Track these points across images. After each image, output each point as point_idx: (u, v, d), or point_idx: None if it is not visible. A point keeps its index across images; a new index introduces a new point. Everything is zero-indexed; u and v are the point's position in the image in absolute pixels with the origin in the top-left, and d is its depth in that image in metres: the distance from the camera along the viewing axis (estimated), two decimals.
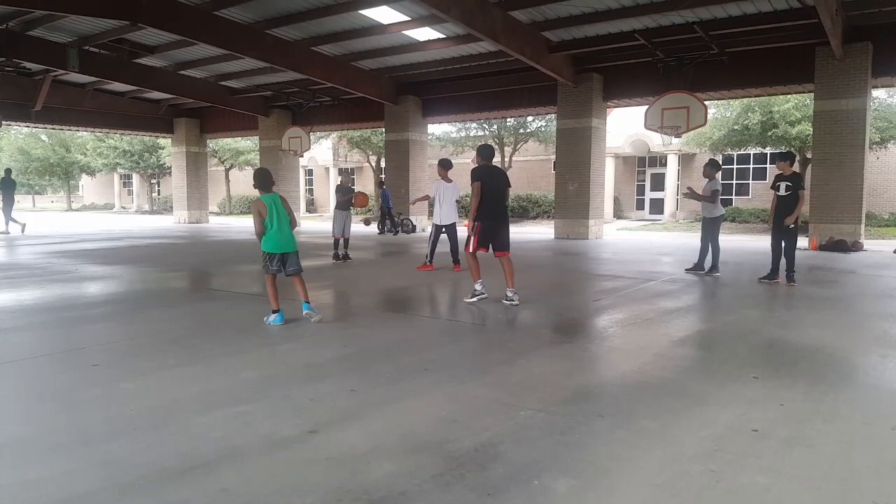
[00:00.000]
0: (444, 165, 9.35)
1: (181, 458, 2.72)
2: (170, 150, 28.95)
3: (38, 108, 20.09)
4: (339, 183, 11.45)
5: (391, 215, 19.12)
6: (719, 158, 25.57)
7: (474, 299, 6.73)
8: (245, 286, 8.37)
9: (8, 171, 18.58)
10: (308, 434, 3.01)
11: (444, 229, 9.51)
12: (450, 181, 9.42)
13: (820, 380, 3.94)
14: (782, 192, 8.13)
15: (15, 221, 17.94)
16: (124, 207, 46.62)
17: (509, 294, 6.61)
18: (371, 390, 3.69)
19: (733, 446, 2.88)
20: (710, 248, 9.11)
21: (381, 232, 19.18)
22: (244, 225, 24.92)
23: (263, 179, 5.64)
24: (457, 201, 9.48)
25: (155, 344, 4.92)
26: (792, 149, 19.80)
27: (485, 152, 7.07)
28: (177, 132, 26.08)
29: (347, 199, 10.68)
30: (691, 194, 9.19)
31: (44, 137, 44.02)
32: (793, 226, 8.08)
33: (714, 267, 9.01)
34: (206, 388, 3.74)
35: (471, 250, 6.75)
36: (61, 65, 16.37)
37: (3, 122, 18.70)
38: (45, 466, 2.64)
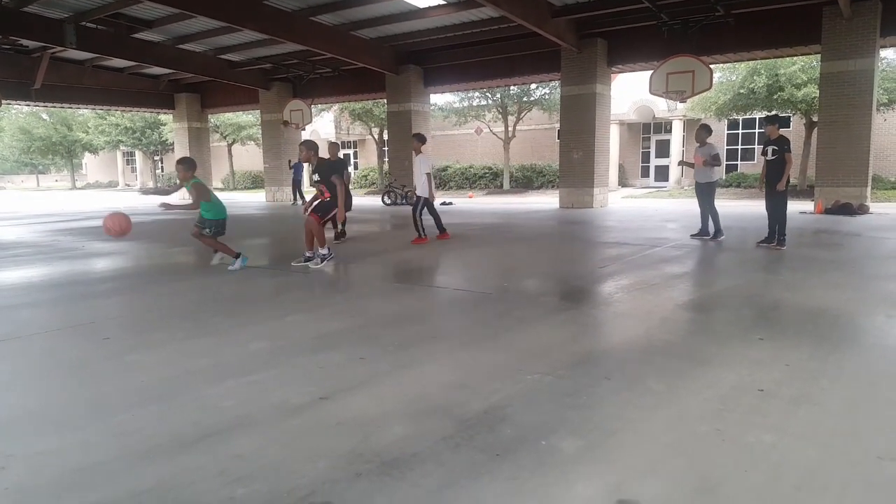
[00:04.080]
0: (419, 139, 9.63)
1: (194, 427, 2.77)
2: (171, 126, 28.83)
3: (38, 86, 19.95)
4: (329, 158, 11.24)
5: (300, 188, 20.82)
6: (724, 123, 25.37)
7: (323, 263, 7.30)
8: (252, 259, 8.40)
9: None
10: (319, 401, 3.05)
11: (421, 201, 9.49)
12: (420, 154, 9.53)
13: (825, 340, 3.96)
14: (770, 156, 8.06)
15: None
16: (128, 185, 46.61)
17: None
18: (380, 358, 3.74)
19: (739, 406, 2.91)
20: (708, 215, 9.09)
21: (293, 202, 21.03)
22: (249, 200, 24.92)
23: (195, 166, 7.24)
24: (427, 174, 9.35)
25: (164, 317, 4.96)
26: (798, 112, 19.60)
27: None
28: (178, 108, 25.93)
29: (340, 174, 10.42)
30: (687, 163, 9.21)
31: (45, 116, 43.84)
32: (782, 189, 8.03)
33: (718, 231, 9.01)
34: (216, 359, 3.78)
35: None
36: (59, 41, 16.15)
37: (4, 102, 18.48)
38: (60, 438, 2.69)
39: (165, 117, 33.17)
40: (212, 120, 29.85)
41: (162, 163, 44.76)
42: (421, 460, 2.41)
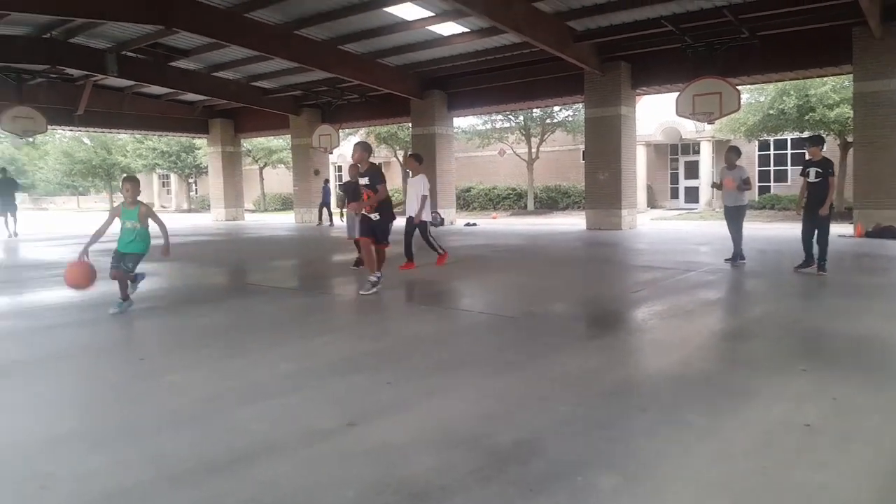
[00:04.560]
0: (416, 159, 9.47)
1: (225, 450, 2.75)
2: (206, 150, 29.46)
3: (81, 112, 20.75)
4: (347, 180, 9.93)
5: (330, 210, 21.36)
6: (755, 144, 25.01)
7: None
8: (280, 281, 8.45)
9: (3, 170, 18.23)
10: (346, 427, 3.00)
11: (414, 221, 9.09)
12: (418, 174, 9.15)
13: (875, 372, 3.79)
14: (812, 178, 7.70)
15: (7, 227, 17.07)
16: (164, 206, 47.61)
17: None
18: (406, 383, 3.67)
19: (785, 442, 2.78)
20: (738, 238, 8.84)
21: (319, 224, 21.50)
22: (279, 222, 25.21)
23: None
24: (424, 196, 8.88)
25: (197, 338, 4.99)
26: (832, 133, 19.22)
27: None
28: (212, 133, 26.52)
29: (359, 195, 9.76)
30: (718, 185, 8.97)
31: (86, 140, 45.22)
32: (826, 214, 7.74)
33: (738, 255, 8.75)
34: (247, 380, 3.78)
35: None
36: (101, 70, 16.92)
37: (48, 127, 19.24)
38: (99, 458, 2.70)
39: (200, 142, 33.90)
40: (244, 144, 30.43)
41: (196, 185, 45.79)
42: (450, 493, 2.33)
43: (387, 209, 7.19)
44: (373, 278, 6.94)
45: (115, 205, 5.94)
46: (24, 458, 2.73)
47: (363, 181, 7.07)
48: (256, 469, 2.57)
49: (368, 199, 7.01)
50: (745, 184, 8.66)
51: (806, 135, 22.37)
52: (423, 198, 8.89)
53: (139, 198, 5.96)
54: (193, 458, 2.68)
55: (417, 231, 9.07)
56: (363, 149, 7.16)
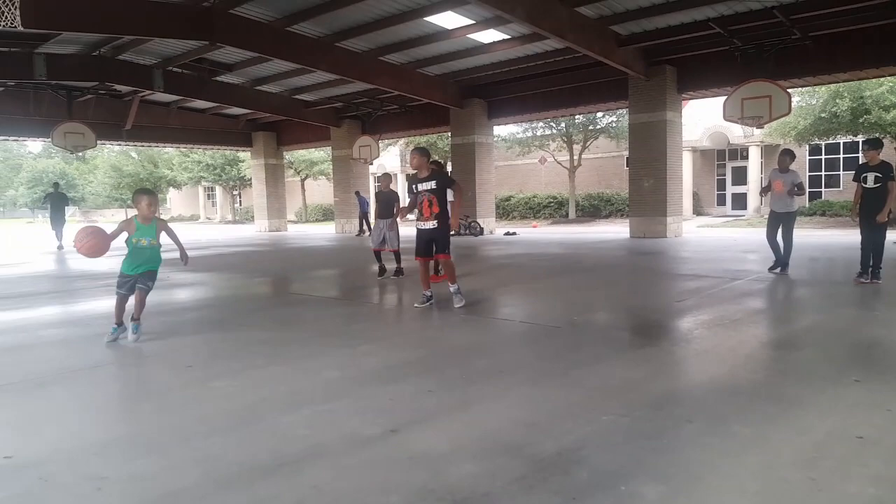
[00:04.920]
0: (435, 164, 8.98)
1: (271, 455, 2.81)
2: (249, 162, 30.20)
3: (129, 127, 21.53)
4: (378, 189, 9.99)
5: (368, 220, 21.41)
6: (805, 149, 24.30)
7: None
8: (323, 290, 8.59)
9: (55, 185, 19.11)
10: (389, 433, 3.04)
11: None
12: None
13: None
14: (870, 183, 7.37)
15: (59, 239, 17.46)
16: (209, 218, 48.95)
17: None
18: (448, 392, 3.69)
19: (836, 453, 2.70)
20: (780, 245, 8.49)
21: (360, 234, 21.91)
22: (320, 232, 25.62)
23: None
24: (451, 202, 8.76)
25: (243, 346, 5.11)
26: (888, 136, 18.54)
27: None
28: (255, 145, 27.17)
29: (389, 206, 9.19)
30: (766, 189, 8.68)
31: (133, 154, 46.98)
32: (884, 221, 7.42)
33: (779, 264, 8.46)
34: (291, 387, 3.85)
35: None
36: (148, 86, 17.59)
37: (98, 142, 19.99)
38: (148, 462, 2.79)
39: (244, 154, 34.77)
40: (286, 156, 31.08)
41: (240, 197, 46.93)
42: (493, 500, 2.34)
43: (445, 217, 6.59)
44: (428, 294, 6.68)
45: (127, 218, 5.36)
46: (78, 461, 2.83)
47: (426, 187, 6.44)
48: (302, 474, 2.61)
49: (430, 204, 6.42)
50: (799, 189, 8.36)
51: (860, 138, 21.70)
52: (451, 204, 8.68)
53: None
54: (240, 463, 2.74)
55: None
56: (421, 154, 6.55)
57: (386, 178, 9.56)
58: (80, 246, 5.07)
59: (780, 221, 8.53)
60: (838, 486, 2.40)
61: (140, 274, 5.27)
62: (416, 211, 6.73)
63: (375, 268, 9.40)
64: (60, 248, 17.27)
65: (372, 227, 9.52)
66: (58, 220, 17.64)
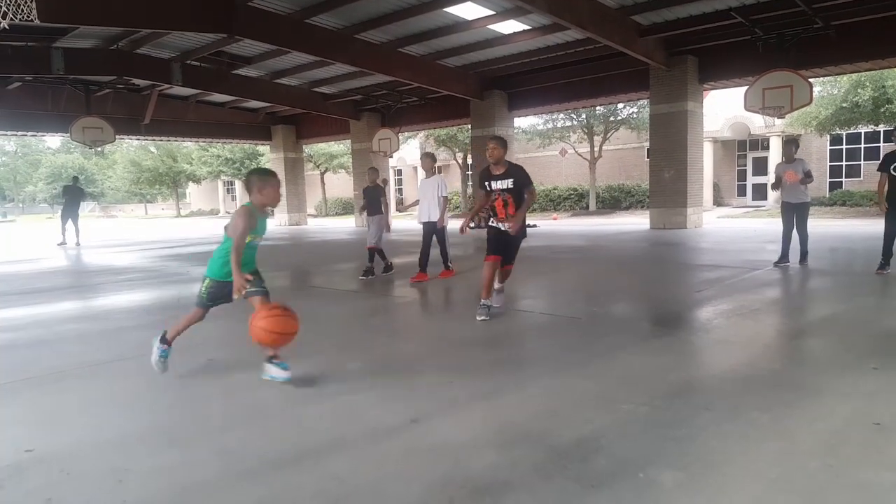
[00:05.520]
0: (431, 158, 8.40)
1: (292, 447, 2.87)
2: (269, 156, 30.41)
3: (147, 121, 21.55)
4: (367, 185, 9.32)
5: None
6: (826, 139, 23.89)
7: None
8: (343, 283, 8.68)
9: (75, 178, 19.12)
10: (410, 423, 3.09)
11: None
12: (433, 175, 8.28)
13: None
14: None
15: (63, 234, 17.21)
16: (228, 212, 49.42)
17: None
18: (468, 382, 3.74)
19: (853, 441, 2.71)
20: (790, 236, 8.34)
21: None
22: (340, 226, 25.76)
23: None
24: (444, 197, 8.11)
25: None
26: None
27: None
28: (274, 139, 27.32)
29: (377, 201, 8.93)
30: (776, 184, 8.52)
31: (152, 149, 47.44)
32: None
33: (786, 258, 8.32)
34: (312, 379, 3.91)
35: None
36: (166, 79, 17.61)
37: (116, 137, 20.04)
38: (170, 455, 2.85)
39: (263, 148, 35.03)
40: (306, 150, 31.23)
41: None
42: (513, 488, 2.39)
43: (522, 221, 5.70)
44: (489, 303, 5.67)
45: (247, 207, 3.90)
46: (100, 454, 2.87)
47: (501, 185, 5.59)
48: (323, 464, 2.66)
49: (506, 205, 5.59)
50: (808, 176, 8.23)
51: (882, 128, 21.27)
52: (445, 199, 8.19)
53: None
54: (261, 455, 2.79)
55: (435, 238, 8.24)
56: (501, 144, 5.63)
57: (373, 172, 9.32)
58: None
59: (796, 212, 8.39)
60: (855, 473, 2.41)
61: (247, 275, 3.88)
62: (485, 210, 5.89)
63: (405, 261, 9.42)
64: (63, 244, 16.90)
65: (366, 224, 8.95)
66: (70, 214, 17.23)
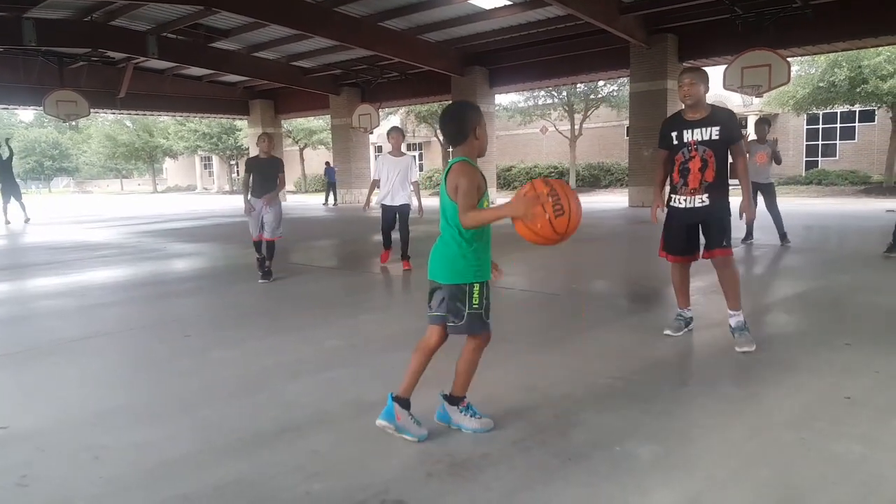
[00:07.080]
0: (399, 132, 7.29)
1: (273, 422, 2.86)
2: (247, 131, 29.96)
3: (122, 95, 21.06)
4: (254, 155, 7.17)
5: (335, 190, 23.11)
6: (803, 118, 24.17)
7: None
8: (321, 260, 8.63)
9: (6, 140, 17.84)
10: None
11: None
12: (401, 154, 7.26)
13: None
14: None
15: (4, 213, 16.10)
16: (206, 188, 48.74)
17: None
18: (448, 358, 3.73)
19: (825, 414, 2.78)
20: (765, 216, 8.31)
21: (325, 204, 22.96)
22: (319, 202, 25.53)
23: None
24: (416, 182, 7.40)
25: (243, 316, 5.16)
26: (884, 105, 18.48)
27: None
28: (252, 114, 26.90)
29: (271, 178, 6.86)
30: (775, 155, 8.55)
31: (128, 123, 46.51)
32: None
33: (749, 234, 8.39)
34: (293, 356, 3.90)
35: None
36: (142, 52, 17.17)
37: (91, 110, 19.58)
38: (148, 431, 2.82)
39: (241, 123, 34.48)
40: (284, 125, 30.81)
41: (238, 167, 46.66)
42: (492, 462, 2.41)
43: (724, 189, 4.12)
44: (686, 313, 4.20)
45: (465, 163, 2.70)
46: (77, 430, 2.85)
47: (702, 136, 3.86)
48: (303, 440, 2.67)
49: (704, 167, 3.91)
50: (777, 159, 8.25)
51: (857, 108, 21.55)
52: (417, 185, 7.47)
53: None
54: (241, 430, 2.79)
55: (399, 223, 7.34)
56: (700, 79, 3.83)
57: (266, 139, 6.91)
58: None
59: (764, 192, 8.38)
60: (826, 446, 2.47)
61: None
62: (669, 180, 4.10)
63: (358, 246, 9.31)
64: (27, 220, 16.05)
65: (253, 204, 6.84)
66: (11, 190, 15.96)
